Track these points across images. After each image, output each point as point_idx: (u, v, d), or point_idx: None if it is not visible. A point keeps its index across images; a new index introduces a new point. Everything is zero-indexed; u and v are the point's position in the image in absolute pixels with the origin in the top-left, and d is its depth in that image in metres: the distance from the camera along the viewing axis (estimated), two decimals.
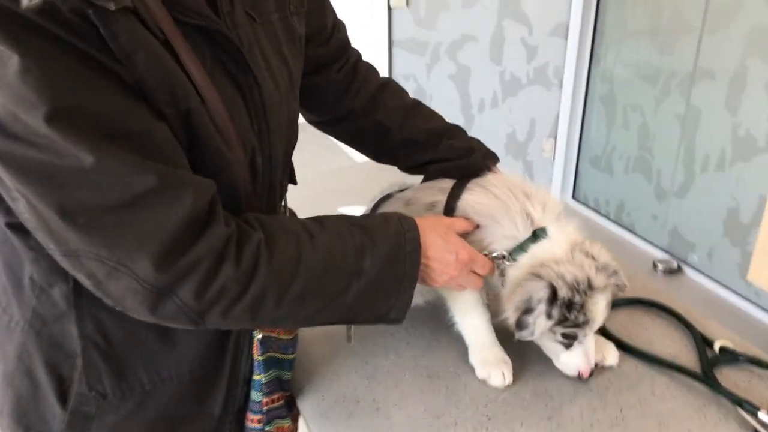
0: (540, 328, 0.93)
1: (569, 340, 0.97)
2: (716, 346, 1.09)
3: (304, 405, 1.01)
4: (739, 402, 0.95)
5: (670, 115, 3.18)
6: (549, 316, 0.93)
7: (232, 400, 0.94)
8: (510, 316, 0.96)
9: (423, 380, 1.05)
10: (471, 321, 1.06)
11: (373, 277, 0.83)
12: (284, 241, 0.79)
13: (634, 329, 1.16)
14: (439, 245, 0.91)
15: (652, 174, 3.34)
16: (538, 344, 1.02)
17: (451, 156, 1.14)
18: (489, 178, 1.08)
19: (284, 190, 1.02)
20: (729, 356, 1.07)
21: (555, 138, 3.80)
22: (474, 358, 1.05)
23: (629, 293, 1.26)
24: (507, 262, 1.00)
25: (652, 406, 0.98)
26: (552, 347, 1.00)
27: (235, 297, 0.75)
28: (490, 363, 1.03)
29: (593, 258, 0.97)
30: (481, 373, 1.03)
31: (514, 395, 1.01)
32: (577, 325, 0.95)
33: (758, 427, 0.92)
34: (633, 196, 3.51)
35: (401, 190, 1.18)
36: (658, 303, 1.22)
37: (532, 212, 1.01)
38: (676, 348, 1.11)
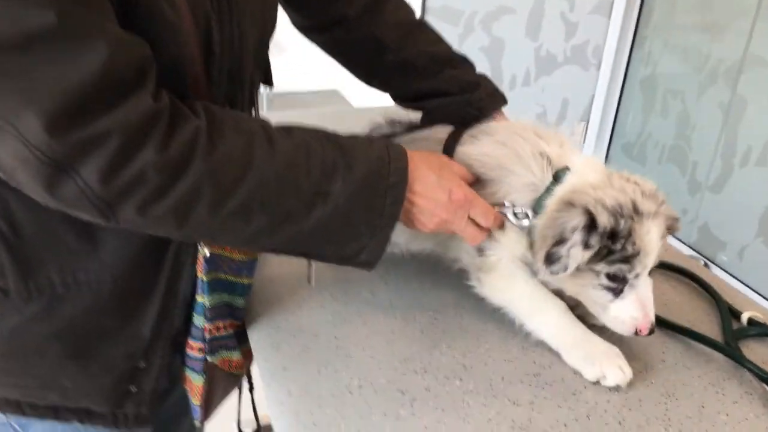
0: (576, 260, 0.76)
1: (618, 284, 0.80)
2: (744, 318, 0.93)
3: (255, 334, 0.88)
4: (766, 378, 0.80)
5: (713, 104, 2.97)
6: (587, 245, 0.76)
7: (167, 322, 0.80)
8: (539, 254, 0.79)
9: (396, 322, 0.91)
10: (547, 318, 0.86)
11: (342, 205, 0.70)
12: (233, 137, 0.66)
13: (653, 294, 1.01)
14: (430, 181, 0.77)
15: (687, 165, 3.14)
16: (580, 298, 0.85)
17: (452, 89, 0.99)
18: (492, 125, 0.93)
19: (255, 91, 0.88)
20: (759, 329, 0.91)
21: (587, 122, 3.62)
22: (574, 357, 0.83)
23: None
24: (526, 219, 0.83)
25: (659, 375, 0.83)
26: (597, 296, 0.82)
27: (157, 191, 0.61)
28: (598, 358, 0.81)
29: (636, 184, 0.81)
30: (591, 373, 0.81)
31: (500, 346, 0.87)
32: (626, 260, 0.77)
33: None
34: (664, 188, 3.23)
35: (393, 134, 1.03)
36: (681, 268, 1.06)
37: (548, 151, 0.86)
38: (697, 316, 0.96)
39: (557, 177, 0.84)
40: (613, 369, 0.80)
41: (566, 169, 0.84)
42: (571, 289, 0.85)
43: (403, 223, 0.78)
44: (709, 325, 0.93)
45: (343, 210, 0.70)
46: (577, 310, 0.87)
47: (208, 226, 0.66)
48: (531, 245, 0.84)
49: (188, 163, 0.62)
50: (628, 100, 3.49)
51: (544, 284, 0.87)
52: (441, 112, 0.99)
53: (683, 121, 3.15)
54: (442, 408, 0.76)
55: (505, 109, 1.02)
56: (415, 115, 1.05)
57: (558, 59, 3.47)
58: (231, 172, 0.64)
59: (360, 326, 0.90)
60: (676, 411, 0.77)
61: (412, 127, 1.02)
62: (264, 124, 0.69)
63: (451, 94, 1.00)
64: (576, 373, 0.82)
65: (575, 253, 0.77)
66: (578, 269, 0.79)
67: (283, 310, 0.92)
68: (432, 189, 0.77)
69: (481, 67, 1.04)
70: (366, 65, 1.05)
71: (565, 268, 0.77)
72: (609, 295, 0.81)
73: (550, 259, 0.78)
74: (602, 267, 0.79)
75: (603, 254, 0.78)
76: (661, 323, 0.92)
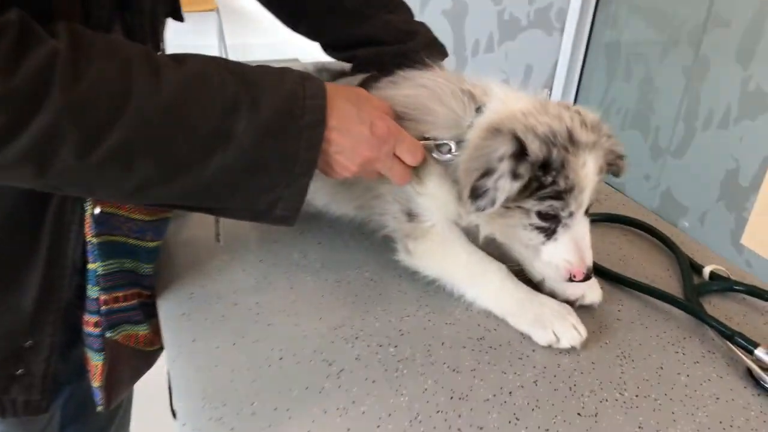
0: (504, 192, 0.67)
1: (550, 223, 0.71)
2: (706, 272, 0.86)
3: (164, 304, 0.77)
4: (730, 336, 0.73)
5: (676, 67, 2.92)
6: (515, 175, 0.67)
7: (54, 293, 0.69)
8: (464, 190, 0.70)
9: (327, 286, 0.81)
10: (488, 283, 0.77)
11: (248, 150, 0.60)
12: (105, 65, 0.54)
13: (605, 248, 0.93)
14: (349, 114, 0.67)
15: (650, 130, 3.09)
16: (511, 243, 0.77)
17: (386, 37, 0.89)
18: (420, 72, 0.83)
19: (159, 25, 0.76)
20: (721, 284, 0.84)
21: (551, 88, 3.56)
22: (523, 322, 0.75)
23: (601, 209, 1.02)
24: (449, 155, 0.74)
25: (614, 335, 0.76)
26: (528, 238, 0.73)
27: (3, 129, 0.50)
28: (549, 320, 0.73)
29: (578, 113, 0.72)
30: (543, 337, 0.73)
31: (441, 309, 0.78)
32: (558, 195, 0.69)
33: (753, 366, 0.69)
34: (627, 154, 3.26)
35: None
36: (637, 221, 0.98)
37: (470, 88, 0.77)
38: (655, 271, 0.88)
39: (480, 110, 0.75)
40: (567, 329, 0.72)
41: (489, 102, 0.75)
42: (501, 231, 0.76)
43: (320, 169, 0.68)
44: (668, 281, 0.86)
45: (250, 155, 0.60)
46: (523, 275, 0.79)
47: (78, 174, 0.55)
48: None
49: (42, 96, 0.50)
50: (591, 65, 3.42)
51: (475, 234, 0.79)
52: (372, 62, 0.88)
53: (646, 85, 3.10)
54: (372, 379, 0.67)
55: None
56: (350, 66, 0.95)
57: (522, 23, 3.38)
58: (101, 107, 0.53)
59: (286, 291, 0.80)
60: (632, 373, 0.70)
61: (338, 76, 0.92)
62: (148, 51, 0.58)
63: (385, 42, 0.89)
64: (526, 336, 0.74)
65: (503, 185, 0.67)
66: (507, 208, 0.71)
67: (200, 276, 0.81)
68: (352, 123, 0.67)
69: (444, 31, 0.95)
70: (289, 7, 0.93)
71: (493, 202, 0.68)
72: (541, 237, 0.72)
73: (475, 193, 0.69)
74: (532, 204, 0.70)
75: (533, 189, 0.69)
76: (617, 280, 0.84)
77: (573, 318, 0.73)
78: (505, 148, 0.68)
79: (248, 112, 0.59)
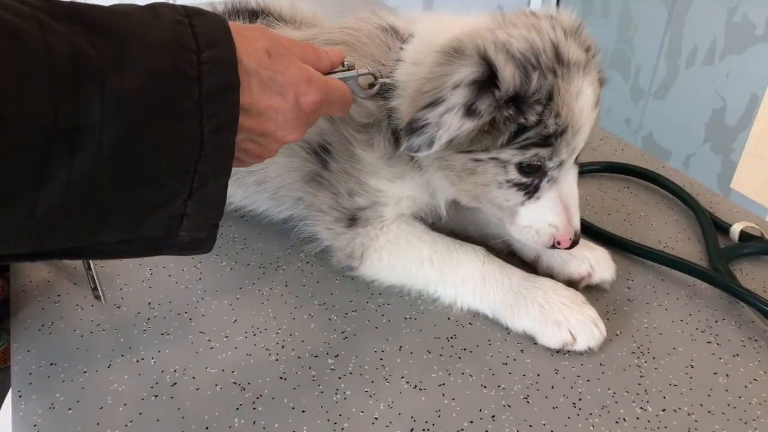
0: (449, 133, 0.49)
1: (532, 177, 0.53)
2: (734, 231, 0.68)
3: (20, 312, 0.57)
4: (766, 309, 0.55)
5: (657, 1, 2.72)
6: (470, 111, 0.48)
7: None
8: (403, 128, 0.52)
9: (245, 275, 0.61)
10: (466, 271, 0.58)
11: (112, 148, 0.36)
12: None
13: (605, 206, 0.74)
14: (263, 78, 0.44)
15: (630, 71, 2.90)
16: (479, 204, 0.58)
17: None
18: (325, 23, 0.67)
19: None
20: (756, 246, 0.66)
21: None
22: (523, 320, 0.55)
23: (595, 156, 0.83)
24: (372, 88, 0.55)
25: (627, 322, 0.58)
26: (503, 198, 0.55)
27: None
28: (561, 313, 0.54)
29: (552, 18, 0.53)
30: (554, 337, 0.54)
31: (400, 298, 0.59)
32: (546, 141, 0.51)
33: None
34: (606, 96, 3.07)
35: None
36: (643, 170, 0.79)
37: (393, 23, 0.60)
38: (670, 233, 0.70)
39: (407, 40, 0.57)
40: (585, 326, 0.54)
41: (413, 33, 0.57)
42: (468, 192, 0.57)
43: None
44: (687, 246, 0.68)
45: (116, 157, 0.36)
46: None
47: None
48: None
49: None
50: (565, 2, 3.20)
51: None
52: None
53: (625, 21, 2.90)
54: (302, 408, 0.48)
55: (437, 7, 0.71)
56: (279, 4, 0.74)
57: None
58: None
59: (187, 284, 0.60)
60: (654, 378, 0.52)
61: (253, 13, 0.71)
62: None
63: None
64: (510, 331, 0.56)
65: (449, 121, 0.48)
66: (478, 160, 0.53)
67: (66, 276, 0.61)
68: (267, 94, 0.44)
69: None
70: None
71: (430, 143, 0.49)
72: (519, 196, 0.54)
73: (411, 127, 0.50)
74: (511, 154, 0.52)
75: (510, 134, 0.51)
76: (624, 247, 0.66)
77: (590, 310, 0.55)
78: (466, 71, 0.49)
79: (102, 86, 0.35)
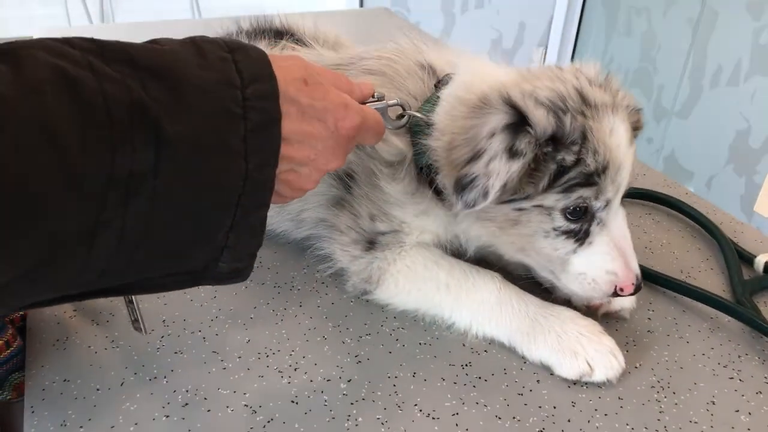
0: (500, 178, 0.49)
1: (581, 223, 0.52)
2: (759, 262, 0.66)
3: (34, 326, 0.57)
4: None
5: (681, 20, 2.70)
6: (513, 152, 0.49)
7: None
8: (449, 184, 0.53)
9: (258, 294, 0.61)
10: (481, 297, 0.57)
11: (165, 191, 0.36)
12: None
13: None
14: (302, 106, 0.43)
15: (652, 90, 2.88)
16: (526, 259, 0.58)
17: None
18: (364, 50, 0.65)
19: None
20: None
21: (546, 47, 3.33)
22: (540, 349, 0.54)
23: None
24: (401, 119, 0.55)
25: (647, 354, 0.56)
26: (552, 249, 0.54)
27: None
28: (578, 343, 0.53)
29: (577, 70, 0.55)
30: (571, 368, 0.53)
31: (415, 322, 0.59)
32: (589, 179, 0.51)
33: None
34: None
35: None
36: (665, 197, 0.78)
37: (430, 60, 0.60)
38: (692, 263, 0.69)
39: (441, 84, 0.58)
40: (604, 356, 0.53)
41: (452, 74, 0.58)
42: (514, 245, 0.56)
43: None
44: (710, 276, 0.67)
45: (169, 200, 0.36)
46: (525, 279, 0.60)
47: None
48: (436, 193, 0.57)
49: None
50: (589, 20, 3.20)
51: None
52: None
53: (649, 40, 2.88)
54: None
55: (456, 36, 0.72)
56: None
57: None
58: None
59: (202, 301, 0.60)
60: (674, 414, 0.51)
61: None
62: None
63: None
64: (527, 361, 0.55)
65: (497, 167, 0.48)
66: (521, 209, 0.52)
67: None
68: (306, 121, 0.44)
69: None
70: None
71: (485, 194, 0.49)
72: (569, 244, 0.53)
73: (461, 184, 0.50)
74: (555, 199, 0.51)
75: (552, 175, 0.50)
76: (645, 276, 0.64)
77: (608, 340, 0.54)
78: (497, 119, 0.49)
79: (157, 132, 0.35)
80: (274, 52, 0.70)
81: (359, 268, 0.60)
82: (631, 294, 0.54)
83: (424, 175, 0.57)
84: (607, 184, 0.51)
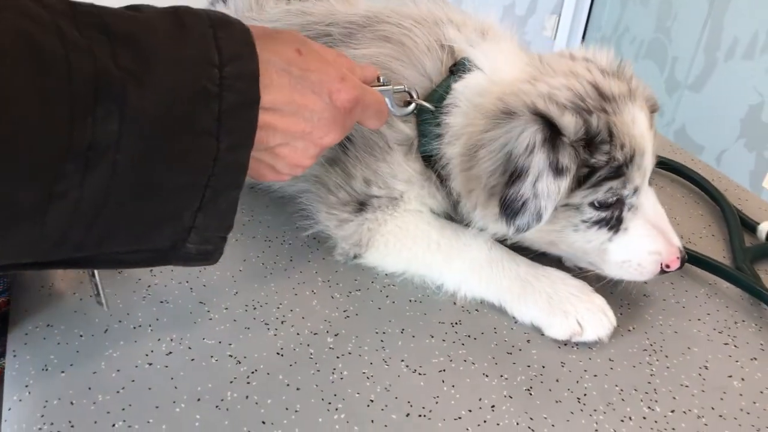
0: (552, 199, 0.48)
1: (612, 211, 0.52)
2: (762, 230, 0.65)
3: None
4: None
5: None
6: (559, 170, 0.48)
7: None
8: (481, 206, 0.53)
9: (248, 247, 0.60)
10: (472, 257, 0.56)
11: (128, 166, 0.34)
12: None
13: None
14: (294, 79, 0.42)
15: (666, 62, 2.82)
16: (561, 252, 0.57)
17: None
18: (382, 12, 0.61)
19: None
20: None
21: (559, 15, 3.26)
22: (530, 309, 0.53)
23: None
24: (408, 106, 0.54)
25: (640, 318, 0.55)
26: (586, 241, 0.53)
27: None
28: (569, 303, 0.52)
29: (587, 60, 0.54)
30: (562, 328, 0.52)
31: (406, 279, 0.58)
32: (618, 172, 0.50)
33: None
34: None
35: None
36: (667, 161, 0.76)
37: (449, 39, 0.57)
38: (693, 229, 0.67)
39: (457, 68, 0.56)
40: (594, 316, 0.52)
41: (465, 60, 0.56)
42: (542, 239, 0.55)
43: (250, 174, 0.43)
44: (711, 243, 0.65)
45: (132, 174, 0.35)
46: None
47: None
48: (440, 179, 0.56)
49: None
50: None
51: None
52: None
53: (665, 11, 2.81)
54: (297, 386, 0.47)
55: (468, 2, 0.69)
56: None
57: None
58: None
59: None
60: (665, 377, 0.50)
61: None
62: None
63: None
64: (517, 321, 0.54)
65: (546, 188, 0.48)
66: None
67: None
68: (299, 93, 0.42)
69: None
70: None
71: (539, 216, 0.48)
72: (603, 233, 0.52)
73: (511, 209, 0.49)
74: (582, 196, 0.51)
75: (580, 178, 0.50)
76: None
77: (599, 299, 0.53)
78: (530, 133, 0.48)
79: (122, 105, 0.33)
80: (281, 5, 0.68)
81: (347, 232, 0.58)
82: (679, 268, 0.52)
83: (431, 163, 0.56)
84: (634, 172, 0.51)
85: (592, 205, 0.51)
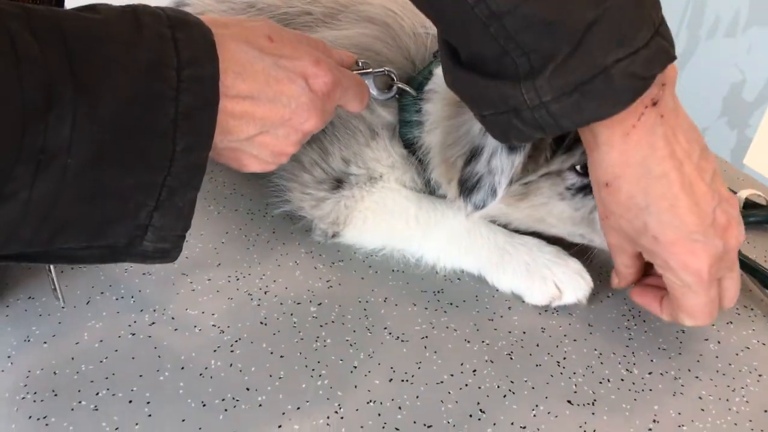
0: (506, 174, 0.47)
1: None
2: (739, 198, 0.66)
3: None
4: None
5: None
6: (513, 145, 0.47)
7: None
8: (448, 183, 0.54)
9: (230, 219, 0.60)
10: (448, 227, 0.56)
11: (79, 169, 0.34)
12: None
13: None
14: (268, 67, 0.41)
15: None
16: (548, 229, 0.56)
17: None
18: None
19: None
20: (760, 214, 0.64)
21: None
22: (508, 276, 0.54)
23: None
24: (390, 89, 0.54)
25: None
26: (572, 211, 0.52)
27: None
28: (546, 267, 0.53)
29: None
30: (541, 293, 0.52)
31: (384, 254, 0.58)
32: None
33: None
34: None
35: None
36: None
37: (429, 24, 0.57)
38: None
39: (438, 55, 0.55)
40: (571, 278, 0.53)
41: None
42: (530, 217, 0.55)
43: (232, 165, 0.45)
44: None
45: (83, 178, 0.34)
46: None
47: None
48: (422, 165, 0.57)
49: None
50: None
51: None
52: None
53: None
54: (280, 353, 0.47)
55: None
56: None
57: None
58: None
59: None
60: (642, 341, 0.51)
61: None
62: None
63: None
64: (499, 290, 0.55)
65: (499, 164, 0.47)
66: (526, 184, 0.52)
67: None
68: (275, 81, 0.42)
69: None
70: None
71: (494, 192, 0.48)
72: (589, 199, 0.51)
73: (466, 187, 0.49)
74: (560, 161, 0.50)
75: (552, 145, 0.50)
76: None
77: (575, 263, 0.53)
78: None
79: (74, 110, 0.32)
80: None
81: (324, 211, 0.57)
82: None
83: (412, 150, 0.56)
84: None
85: (573, 169, 0.51)
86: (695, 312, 0.45)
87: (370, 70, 0.52)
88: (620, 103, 0.39)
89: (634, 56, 0.38)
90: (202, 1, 0.69)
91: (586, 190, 0.51)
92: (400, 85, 0.54)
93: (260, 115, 0.41)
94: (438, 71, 0.54)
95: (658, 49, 0.39)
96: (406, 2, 0.59)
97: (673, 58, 0.40)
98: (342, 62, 0.50)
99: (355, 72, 0.50)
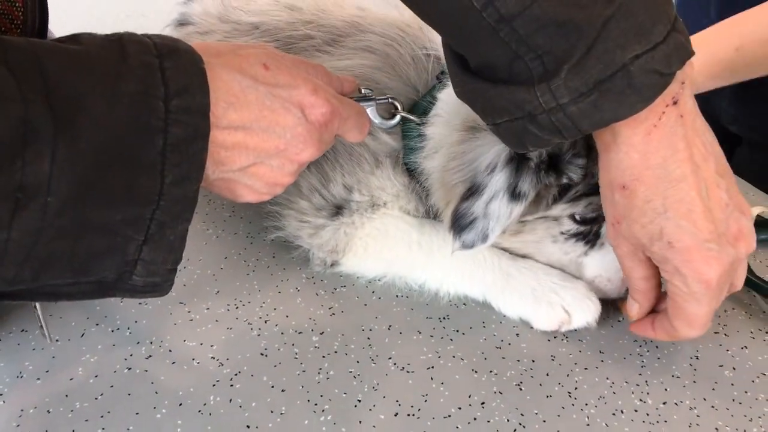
0: (501, 223, 0.46)
1: (590, 226, 0.51)
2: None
3: None
4: None
5: None
6: (515, 195, 0.46)
7: None
8: (446, 207, 0.51)
9: (230, 245, 0.59)
10: (450, 259, 0.53)
11: (62, 206, 0.32)
12: None
13: None
14: (263, 97, 0.40)
15: None
16: (537, 258, 0.55)
17: None
18: (361, 22, 0.60)
19: None
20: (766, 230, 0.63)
21: None
22: (515, 301, 0.52)
23: None
24: (394, 118, 0.53)
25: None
26: (563, 252, 0.52)
27: None
28: (553, 292, 0.52)
29: None
30: (549, 319, 0.51)
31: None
32: (596, 188, 0.47)
33: None
34: None
35: None
36: None
37: (434, 47, 0.56)
38: None
39: (444, 76, 0.54)
40: (580, 301, 0.51)
41: None
42: (517, 249, 0.55)
43: (227, 196, 0.44)
44: None
45: (67, 215, 0.33)
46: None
47: None
48: (425, 193, 0.56)
49: None
50: None
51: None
52: None
53: None
54: (282, 387, 0.46)
55: None
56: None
57: None
58: None
59: None
60: (656, 368, 0.49)
61: None
62: None
63: None
64: (505, 315, 0.53)
65: (497, 210, 0.46)
66: (523, 222, 0.51)
67: None
68: (269, 111, 0.40)
69: None
70: None
71: (485, 238, 0.47)
72: (579, 246, 0.51)
73: (458, 223, 0.47)
74: (562, 209, 0.50)
75: (555, 194, 0.49)
76: None
77: (581, 285, 0.52)
78: (497, 150, 0.46)
79: (54, 147, 0.31)
80: None
81: (323, 239, 0.56)
82: None
83: (415, 176, 0.55)
84: None
85: (572, 217, 0.50)
86: (695, 321, 0.44)
87: (373, 97, 0.51)
88: (641, 101, 0.38)
89: (652, 51, 0.37)
90: (207, 20, 0.67)
91: (578, 236, 0.51)
92: (403, 114, 0.53)
93: (253, 145, 0.40)
94: (441, 95, 0.53)
95: (675, 45, 0.38)
96: (407, 23, 0.58)
97: (691, 53, 0.39)
98: (343, 88, 0.49)
99: (357, 99, 0.49)
